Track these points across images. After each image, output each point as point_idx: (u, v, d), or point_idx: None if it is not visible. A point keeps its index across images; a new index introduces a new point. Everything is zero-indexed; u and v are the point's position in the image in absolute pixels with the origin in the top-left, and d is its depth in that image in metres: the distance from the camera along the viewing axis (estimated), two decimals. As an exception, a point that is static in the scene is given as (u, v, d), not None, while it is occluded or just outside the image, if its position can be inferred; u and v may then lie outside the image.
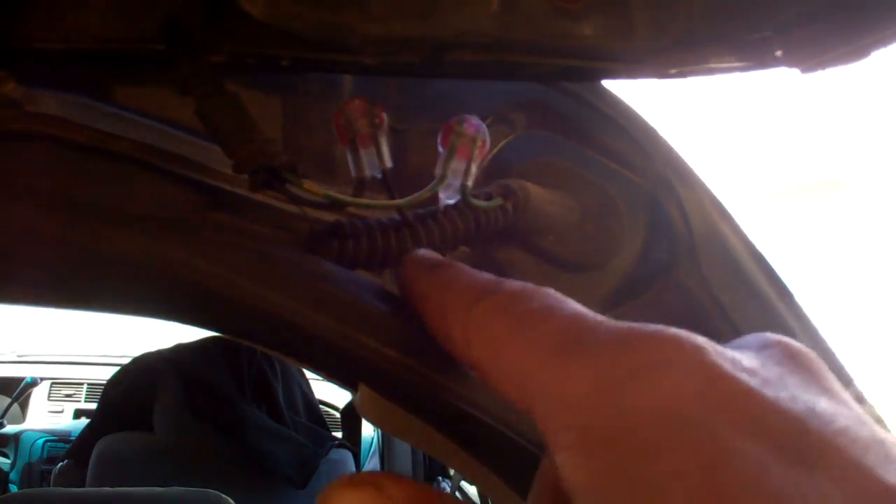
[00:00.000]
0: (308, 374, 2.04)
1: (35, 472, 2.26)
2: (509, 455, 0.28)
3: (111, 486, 1.51)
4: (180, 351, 1.80)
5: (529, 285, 0.21)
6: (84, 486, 1.72)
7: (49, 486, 2.00)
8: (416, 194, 0.28)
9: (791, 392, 0.16)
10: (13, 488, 2.24)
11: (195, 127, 0.36)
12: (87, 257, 0.30)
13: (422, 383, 0.27)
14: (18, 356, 2.93)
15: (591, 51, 0.33)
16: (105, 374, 2.24)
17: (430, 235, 0.30)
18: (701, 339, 0.17)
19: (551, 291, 0.21)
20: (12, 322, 2.85)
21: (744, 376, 0.16)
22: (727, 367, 0.17)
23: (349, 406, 2.10)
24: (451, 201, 0.29)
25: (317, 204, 0.28)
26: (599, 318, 0.19)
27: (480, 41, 0.31)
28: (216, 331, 0.31)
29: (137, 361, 1.87)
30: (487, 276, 0.22)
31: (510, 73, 0.33)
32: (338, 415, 2.23)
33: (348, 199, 0.26)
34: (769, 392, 0.16)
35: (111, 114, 0.35)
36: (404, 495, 0.18)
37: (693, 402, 0.16)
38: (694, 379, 0.16)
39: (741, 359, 0.17)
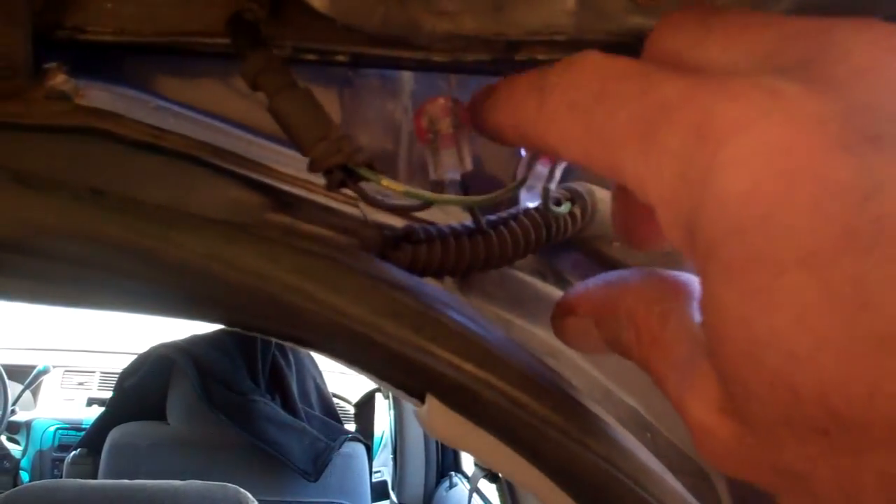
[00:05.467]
0: (321, 366, 2.04)
1: (46, 460, 2.27)
2: (586, 476, 0.27)
3: (124, 475, 1.51)
4: (195, 341, 1.80)
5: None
6: (97, 475, 1.72)
7: (61, 474, 2.00)
8: (496, 192, 0.26)
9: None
10: (24, 475, 2.25)
11: (249, 123, 0.35)
12: (144, 261, 0.28)
13: (498, 399, 0.26)
14: (31, 344, 2.93)
15: (668, 50, 0.31)
16: (118, 363, 2.24)
17: (502, 243, 0.29)
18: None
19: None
20: (25, 310, 2.85)
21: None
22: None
23: (363, 400, 2.09)
24: (532, 204, 0.28)
25: (390, 206, 0.26)
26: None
27: (555, 39, 0.30)
28: (275, 338, 0.30)
29: (152, 351, 1.87)
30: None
31: (583, 72, 0.31)
32: (350, 408, 2.22)
33: (430, 195, 0.25)
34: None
35: (163, 108, 0.34)
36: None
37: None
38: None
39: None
